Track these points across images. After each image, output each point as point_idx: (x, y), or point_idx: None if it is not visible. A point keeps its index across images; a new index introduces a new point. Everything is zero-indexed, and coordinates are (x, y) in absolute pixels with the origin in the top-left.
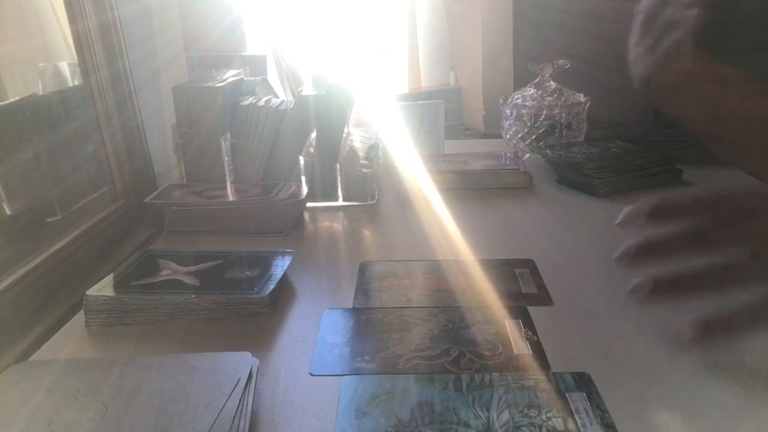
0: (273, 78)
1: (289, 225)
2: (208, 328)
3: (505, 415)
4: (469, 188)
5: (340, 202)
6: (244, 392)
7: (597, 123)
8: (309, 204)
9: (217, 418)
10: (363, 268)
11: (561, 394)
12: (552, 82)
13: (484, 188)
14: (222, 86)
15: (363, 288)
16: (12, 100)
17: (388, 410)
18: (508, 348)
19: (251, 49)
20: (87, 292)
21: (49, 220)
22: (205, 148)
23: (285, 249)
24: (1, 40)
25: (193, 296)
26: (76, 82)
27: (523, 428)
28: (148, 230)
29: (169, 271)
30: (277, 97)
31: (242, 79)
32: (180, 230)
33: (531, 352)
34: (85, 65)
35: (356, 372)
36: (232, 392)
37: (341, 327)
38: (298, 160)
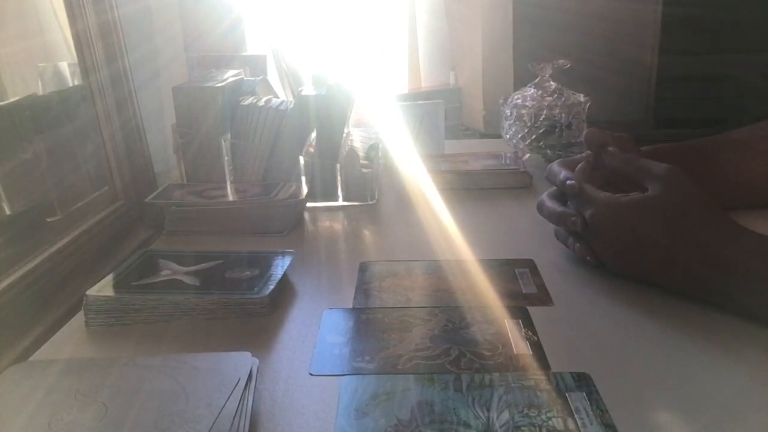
0: (273, 78)
1: (289, 225)
2: (208, 328)
3: (505, 415)
4: (469, 188)
5: (340, 202)
6: (244, 392)
7: (597, 123)
8: (309, 204)
9: (217, 418)
10: (363, 268)
11: (561, 394)
12: (552, 82)
13: (484, 188)
14: (222, 86)
15: (363, 288)
16: (12, 100)
17: (388, 410)
18: (508, 348)
19: (251, 49)
20: (87, 292)
21: (49, 220)
22: (205, 148)
23: (285, 249)
24: (1, 40)
25: (193, 296)
26: (76, 82)
27: (523, 428)
28: (148, 230)
29: (169, 271)
30: (277, 97)
31: (242, 79)
32: (180, 230)
33: (531, 352)
34: (85, 65)
35: (356, 372)
36: (232, 392)
37: (341, 327)
38: (298, 160)
